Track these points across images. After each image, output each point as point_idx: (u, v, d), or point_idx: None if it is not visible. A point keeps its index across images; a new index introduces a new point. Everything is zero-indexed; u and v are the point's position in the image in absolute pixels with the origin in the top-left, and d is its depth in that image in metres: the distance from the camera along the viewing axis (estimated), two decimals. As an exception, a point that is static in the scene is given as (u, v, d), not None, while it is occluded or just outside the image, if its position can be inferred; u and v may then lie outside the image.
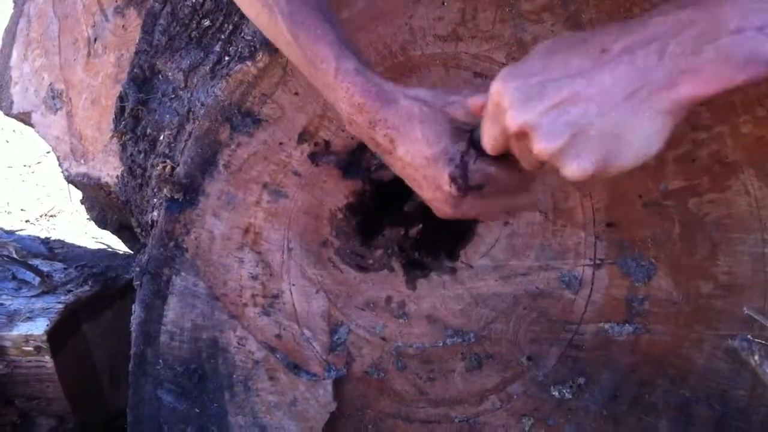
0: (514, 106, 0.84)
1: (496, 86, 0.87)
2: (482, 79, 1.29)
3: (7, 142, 4.30)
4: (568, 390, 1.41)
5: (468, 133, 1.00)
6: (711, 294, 1.32)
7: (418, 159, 1.02)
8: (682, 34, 0.76)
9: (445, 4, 1.26)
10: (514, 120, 0.84)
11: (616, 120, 0.79)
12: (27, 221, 3.53)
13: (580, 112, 0.80)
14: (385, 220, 1.44)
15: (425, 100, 1.03)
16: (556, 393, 1.42)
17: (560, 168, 0.83)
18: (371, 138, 1.07)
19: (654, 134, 0.79)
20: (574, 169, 0.82)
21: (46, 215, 3.60)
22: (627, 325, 1.36)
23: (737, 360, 1.32)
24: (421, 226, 1.43)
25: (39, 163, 4.09)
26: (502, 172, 1.00)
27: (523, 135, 0.84)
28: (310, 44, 1.07)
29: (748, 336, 1.30)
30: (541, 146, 0.82)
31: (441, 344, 1.43)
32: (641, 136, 0.79)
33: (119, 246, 2.24)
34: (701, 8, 0.76)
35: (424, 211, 1.45)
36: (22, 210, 3.63)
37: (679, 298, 1.33)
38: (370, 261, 1.43)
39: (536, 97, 0.82)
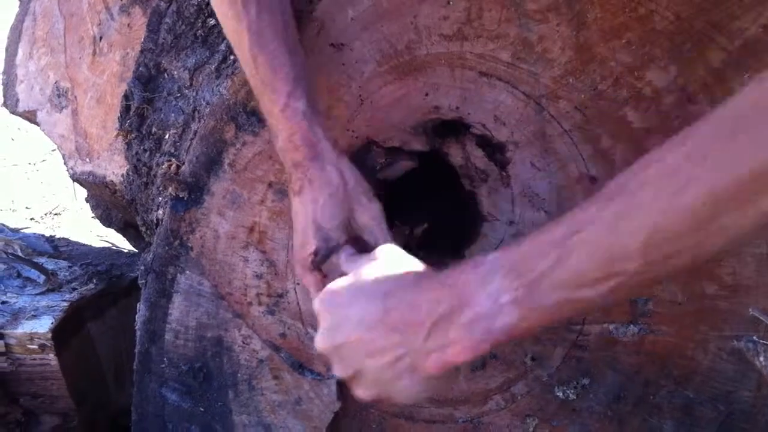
0: (319, 335, 1.01)
1: (317, 302, 1.04)
2: (487, 78, 1.28)
3: (12, 140, 4.31)
4: (572, 390, 1.41)
5: (352, 234, 1.17)
6: (716, 295, 1.32)
7: (309, 217, 1.16)
8: (436, 315, 0.88)
9: (451, 3, 1.26)
10: (318, 346, 1.02)
11: (385, 375, 0.94)
12: (32, 219, 3.53)
13: (358, 358, 0.96)
14: (390, 220, 1.43)
15: (346, 183, 1.16)
16: (560, 393, 1.42)
17: (351, 388, 1.02)
18: (289, 172, 1.19)
19: (419, 389, 0.95)
20: (357, 394, 1.01)
21: (50, 213, 3.60)
22: (631, 325, 1.36)
23: (742, 361, 1.32)
24: (426, 225, 1.43)
25: (44, 161, 4.09)
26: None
27: (325, 357, 1.03)
28: (267, 71, 1.14)
29: (754, 337, 1.30)
30: (336, 372, 1.02)
31: (445, 344, 1.43)
32: (408, 389, 0.95)
33: (124, 244, 2.24)
34: (448, 286, 0.89)
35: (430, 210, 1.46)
36: (27, 208, 3.64)
37: (683, 298, 1.33)
38: (375, 260, 1.43)
39: (333, 333, 0.99)
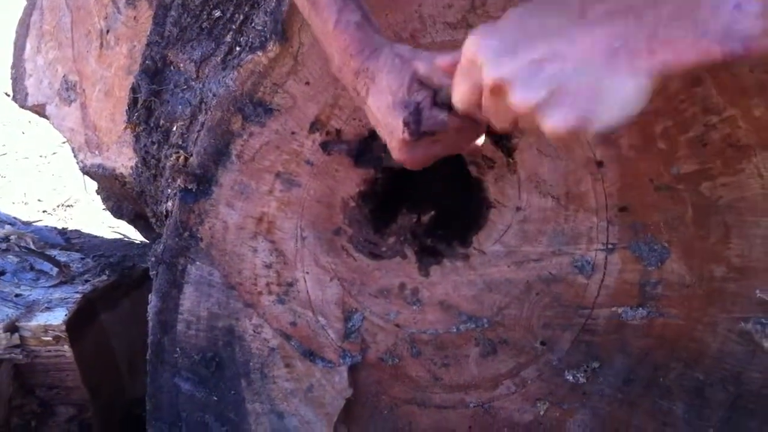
0: (490, 60, 0.84)
1: (470, 43, 0.87)
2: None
3: (23, 133, 4.33)
4: (582, 374, 1.42)
5: (426, 89, 1.05)
6: (724, 277, 1.32)
7: (382, 106, 1.09)
8: (661, 5, 0.75)
9: (455, -7, 1.26)
10: (490, 74, 0.84)
11: (595, 78, 0.78)
12: (44, 212, 3.55)
13: (558, 69, 0.79)
14: (397, 208, 1.44)
15: (400, 54, 1.09)
16: (570, 377, 1.42)
17: (539, 122, 0.83)
18: (354, 86, 1.14)
19: (632, 95, 0.78)
20: (554, 122, 0.81)
21: (62, 205, 3.62)
22: (640, 309, 1.36)
23: (751, 342, 1.32)
24: (433, 212, 1.43)
25: (55, 153, 4.11)
26: (453, 121, 1.04)
27: (498, 89, 0.84)
28: None
29: (762, 319, 1.30)
30: (519, 98, 0.82)
31: (455, 330, 1.44)
32: (620, 95, 0.78)
33: (135, 235, 2.25)
34: None
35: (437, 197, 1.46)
36: (38, 201, 3.65)
37: (692, 281, 1.33)
38: (383, 248, 1.43)
39: (512, 53, 0.82)
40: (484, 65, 0.85)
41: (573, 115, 0.80)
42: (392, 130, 1.08)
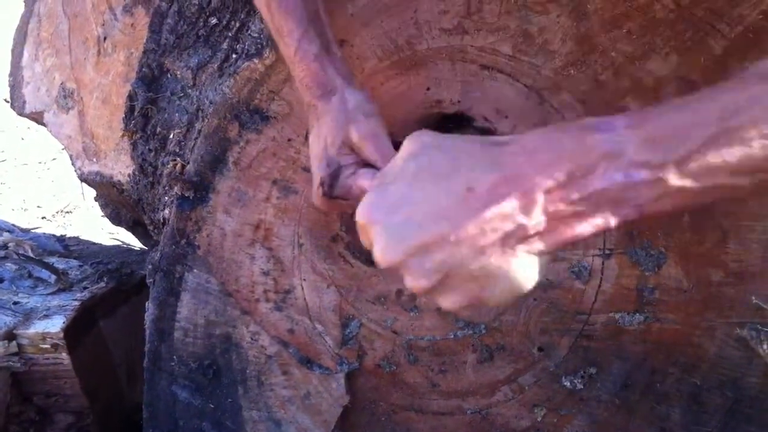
0: (380, 244, 0.82)
1: (360, 216, 0.85)
2: (488, 71, 1.29)
3: (23, 139, 4.33)
4: (579, 380, 1.42)
5: (353, 154, 1.09)
6: (721, 282, 1.32)
7: (314, 152, 1.15)
8: (549, 178, 0.74)
9: (450, -3, 1.26)
10: (382, 258, 0.82)
11: (485, 264, 0.77)
12: (43, 218, 3.55)
13: (447, 255, 0.78)
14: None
15: (347, 107, 1.11)
16: (567, 383, 1.42)
17: (434, 300, 0.84)
18: (308, 117, 1.18)
19: (526, 274, 0.78)
20: (446, 304, 0.83)
21: (62, 212, 3.62)
22: (637, 314, 1.36)
23: (748, 348, 1.32)
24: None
25: (54, 159, 4.11)
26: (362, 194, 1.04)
27: (394, 269, 0.83)
28: (280, 16, 1.14)
29: (758, 325, 1.30)
30: (412, 285, 0.82)
31: (452, 336, 1.44)
32: (513, 276, 0.78)
33: (134, 242, 2.25)
34: (564, 144, 0.75)
35: None
36: (38, 207, 3.66)
37: (689, 286, 1.33)
38: (380, 255, 1.43)
39: (400, 238, 0.80)
40: (374, 247, 0.83)
41: (465, 298, 0.81)
42: (313, 178, 1.14)
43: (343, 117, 1.10)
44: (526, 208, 0.74)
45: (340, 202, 1.12)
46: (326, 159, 1.10)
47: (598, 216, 0.74)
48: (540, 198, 0.74)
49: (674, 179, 0.70)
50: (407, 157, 0.84)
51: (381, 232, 0.82)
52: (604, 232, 1.32)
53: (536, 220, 0.75)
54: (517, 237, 0.76)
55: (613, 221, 0.74)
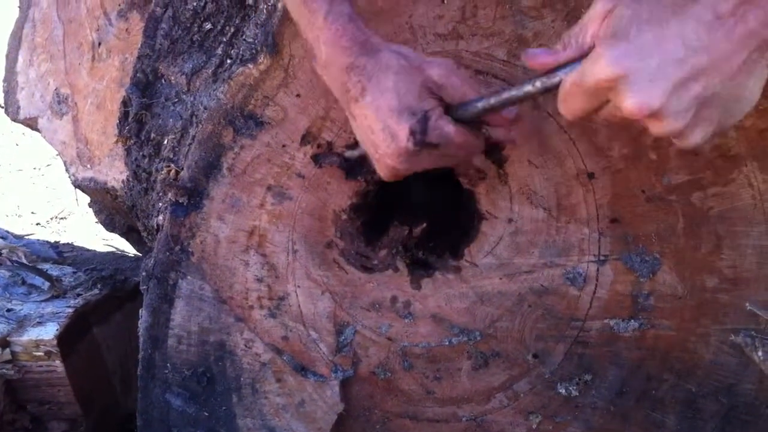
0: (641, 92, 0.82)
1: (609, 69, 0.83)
2: (483, 76, 1.28)
3: (17, 145, 4.32)
4: (574, 387, 1.41)
5: (435, 97, 1.04)
6: (716, 288, 1.32)
7: (384, 108, 1.05)
8: None
9: (445, 2, 1.26)
10: (643, 106, 0.82)
11: (736, 84, 0.80)
12: (38, 224, 3.54)
13: (704, 85, 0.80)
14: (389, 220, 1.44)
15: (406, 55, 1.07)
16: (562, 390, 1.42)
17: (680, 141, 0.86)
18: (343, 83, 1.09)
19: (759, 86, 0.82)
20: (696, 140, 0.85)
21: (56, 218, 3.61)
22: (632, 320, 1.36)
23: (742, 355, 1.32)
24: (425, 224, 1.43)
25: (49, 165, 4.11)
26: (459, 135, 1.05)
27: (643, 117, 0.84)
28: None
29: (752, 332, 1.30)
30: (668, 128, 0.83)
31: (447, 343, 1.43)
32: (751, 91, 0.82)
33: (129, 248, 2.25)
34: None
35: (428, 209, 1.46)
36: (32, 213, 3.65)
37: (684, 292, 1.33)
38: (375, 261, 1.43)
39: (663, 78, 0.80)
40: (631, 98, 0.82)
41: (711, 128, 0.84)
42: (393, 135, 1.05)
43: (408, 63, 1.05)
44: (765, 21, 0.76)
45: (429, 153, 1.06)
46: (407, 109, 1.03)
47: None
48: None
49: None
50: (623, 7, 0.84)
51: (638, 79, 0.81)
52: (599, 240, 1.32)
53: None
54: (759, 51, 0.78)
55: None
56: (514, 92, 1.00)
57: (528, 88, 0.98)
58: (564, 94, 0.92)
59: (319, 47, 1.10)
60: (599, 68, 0.84)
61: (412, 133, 1.03)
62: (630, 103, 0.82)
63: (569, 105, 0.92)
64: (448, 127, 1.03)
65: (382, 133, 1.06)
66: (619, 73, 0.82)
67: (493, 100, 1.04)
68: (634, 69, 0.81)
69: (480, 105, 1.04)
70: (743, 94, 0.82)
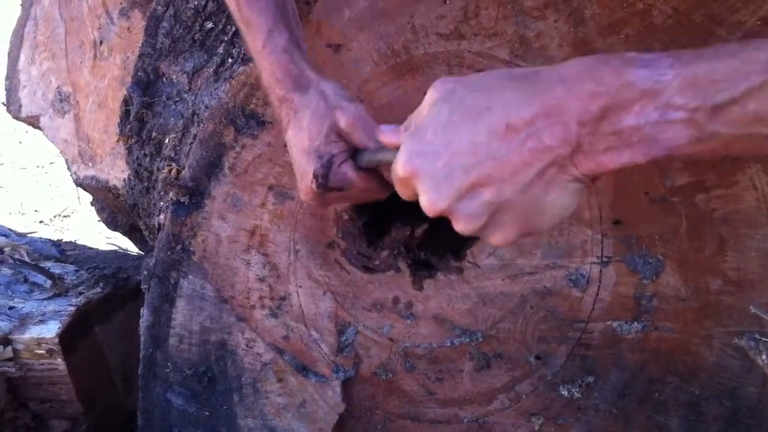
0: (427, 192, 0.84)
1: (401, 168, 0.87)
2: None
3: (20, 143, 4.33)
4: (577, 389, 1.40)
5: (342, 141, 1.08)
6: (720, 290, 1.31)
7: (299, 147, 1.12)
8: (585, 111, 0.74)
9: (447, 2, 1.25)
10: (431, 206, 0.84)
11: (530, 196, 0.80)
12: (40, 222, 3.54)
13: (493, 192, 0.80)
14: (390, 221, 1.43)
15: (326, 97, 1.10)
16: (565, 392, 1.41)
17: (485, 239, 0.87)
18: (279, 111, 1.16)
19: (566, 201, 0.81)
20: (497, 240, 0.85)
21: (59, 215, 3.61)
22: (635, 322, 1.35)
23: (746, 358, 1.31)
24: (427, 226, 1.42)
25: (52, 163, 4.11)
26: (361, 181, 1.08)
27: (441, 215, 0.85)
28: (248, 10, 1.14)
29: (756, 335, 1.29)
30: (462, 228, 0.84)
31: (449, 344, 1.43)
32: (555, 204, 0.81)
33: (131, 247, 2.25)
34: (604, 77, 0.74)
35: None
36: (35, 211, 3.65)
37: (687, 294, 1.32)
38: (377, 262, 1.42)
39: (447, 183, 0.82)
40: (421, 195, 0.85)
41: (514, 231, 0.84)
42: (302, 174, 1.12)
43: (325, 105, 1.09)
44: (564, 139, 0.76)
45: (334, 195, 1.11)
46: (315, 151, 1.09)
47: (628, 152, 0.74)
48: (575, 129, 0.75)
49: (711, 124, 0.70)
50: (437, 102, 0.85)
51: (426, 180, 0.84)
52: (600, 238, 1.32)
53: (572, 148, 0.76)
54: (557, 166, 0.78)
55: (642, 159, 0.74)
56: (389, 155, 1.00)
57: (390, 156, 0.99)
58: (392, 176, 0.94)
59: (262, 75, 1.17)
60: (398, 164, 0.88)
61: (315, 177, 1.08)
62: (421, 200, 0.86)
63: (398, 189, 0.94)
64: (350, 173, 1.08)
65: (297, 168, 1.14)
66: (411, 171, 0.85)
67: (379, 157, 1.05)
68: (423, 170, 0.84)
69: (371, 158, 1.07)
70: (543, 205, 0.81)
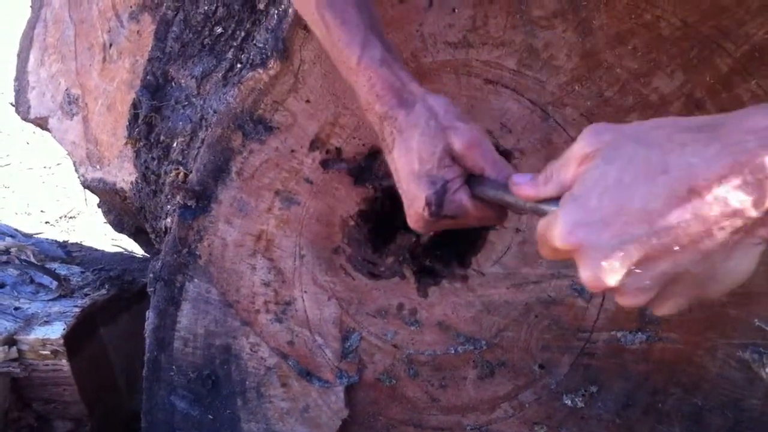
0: (593, 269, 0.73)
1: (563, 236, 0.76)
2: (493, 85, 1.28)
3: (28, 143, 4.34)
4: (580, 398, 1.41)
5: (457, 166, 0.99)
6: (724, 302, 1.31)
7: (407, 170, 1.02)
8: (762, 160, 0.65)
9: (456, 11, 1.25)
10: (596, 283, 0.74)
11: (710, 265, 0.70)
12: (47, 223, 3.55)
13: (671, 264, 0.70)
14: (396, 227, 1.43)
15: (437, 114, 1.00)
16: (568, 401, 1.41)
17: (650, 308, 0.77)
18: (380, 130, 1.06)
19: (747, 266, 0.71)
20: (664, 311, 0.76)
21: (65, 217, 3.62)
22: (639, 333, 1.35)
23: (749, 370, 1.31)
24: (432, 233, 1.42)
25: (59, 164, 4.12)
26: (476, 210, 0.99)
27: (606, 290, 0.75)
28: (337, 26, 1.05)
29: (760, 348, 1.29)
30: (628, 303, 0.75)
31: (453, 351, 1.43)
32: (735, 270, 0.71)
33: (137, 249, 2.25)
34: None
35: None
36: (42, 211, 3.66)
37: (692, 306, 1.32)
38: (382, 268, 1.43)
39: (617, 258, 0.72)
40: (584, 271, 0.75)
41: (685, 301, 0.75)
42: (412, 199, 1.02)
43: (435, 125, 1.00)
44: (758, 201, 0.66)
45: (446, 222, 1.02)
46: (427, 176, 0.99)
47: None
48: (758, 191, 0.66)
49: None
50: (599, 159, 0.76)
51: (591, 254, 0.73)
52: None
53: (762, 212, 0.66)
54: (744, 231, 0.68)
55: None
56: (519, 202, 0.92)
57: (523, 205, 0.92)
58: (538, 237, 0.85)
59: (358, 92, 1.08)
60: (556, 233, 0.77)
61: (428, 204, 0.99)
62: (583, 276, 0.76)
63: (541, 250, 0.85)
64: (466, 201, 0.99)
65: (406, 193, 1.04)
66: (573, 244, 0.75)
67: (503, 197, 0.96)
68: (588, 242, 0.73)
69: (491, 194, 0.98)
70: (722, 272, 0.71)
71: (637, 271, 0.71)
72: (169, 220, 1.46)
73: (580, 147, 0.79)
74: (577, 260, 0.75)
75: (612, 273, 0.72)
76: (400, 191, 1.06)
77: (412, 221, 1.05)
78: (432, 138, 0.99)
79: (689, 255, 0.69)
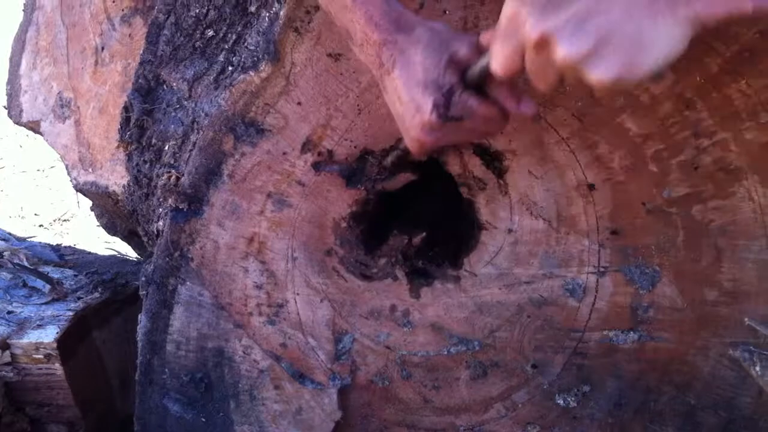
0: (534, 15, 0.83)
1: (512, 2, 0.86)
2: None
3: (21, 147, 4.33)
4: (573, 398, 1.41)
5: (460, 72, 1.03)
6: (716, 301, 1.31)
7: (411, 81, 1.05)
8: None
9: (447, 12, 1.26)
10: (535, 28, 0.83)
11: (638, 27, 0.78)
12: (40, 226, 3.55)
13: (603, 17, 0.79)
14: (388, 229, 1.44)
15: (438, 31, 1.06)
16: (561, 401, 1.41)
17: (585, 74, 0.82)
18: (377, 57, 1.10)
19: (672, 40, 0.78)
20: (599, 72, 0.81)
21: (59, 220, 3.62)
22: (632, 332, 1.35)
23: (741, 369, 1.31)
24: (424, 234, 1.43)
25: (52, 167, 4.11)
26: (482, 108, 1.03)
27: (544, 44, 0.83)
28: None
29: (751, 346, 1.29)
30: (566, 51, 0.82)
31: (446, 352, 1.43)
32: (661, 43, 0.79)
33: (130, 252, 2.25)
34: None
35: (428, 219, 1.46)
36: (35, 215, 3.66)
37: (683, 305, 1.32)
38: (374, 270, 1.43)
39: (557, 6, 0.82)
40: (528, 20, 0.84)
41: (618, 64, 0.80)
42: (418, 108, 1.05)
43: (439, 39, 1.05)
44: None
45: (452, 127, 1.05)
46: (433, 82, 1.03)
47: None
48: None
49: None
50: None
51: (534, 3, 0.83)
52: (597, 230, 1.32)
53: None
54: (666, 3, 0.77)
55: (750, 6, 0.75)
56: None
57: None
58: (492, 47, 0.93)
59: (353, 28, 1.11)
60: (506, 5, 0.88)
61: (436, 106, 1.03)
62: (528, 26, 0.84)
63: (495, 56, 0.93)
64: (472, 101, 1.03)
65: (409, 105, 1.07)
66: (518, 3, 0.85)
67: (479, 64, 1.02)
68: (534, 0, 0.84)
69: (477, 70, 1.02)
70: (651, 40, 0.79)
71: (579, 18, 0.80)
72: (161, 223, 1.46)
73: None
74: (524, 15, 0.85)
75: (552, 15, 0.82)
76: (398, 112, 1.10)
77: (415, 133, 1.08)
78: (436, 49, 1.04)
79: (619, 11, 0.79)
